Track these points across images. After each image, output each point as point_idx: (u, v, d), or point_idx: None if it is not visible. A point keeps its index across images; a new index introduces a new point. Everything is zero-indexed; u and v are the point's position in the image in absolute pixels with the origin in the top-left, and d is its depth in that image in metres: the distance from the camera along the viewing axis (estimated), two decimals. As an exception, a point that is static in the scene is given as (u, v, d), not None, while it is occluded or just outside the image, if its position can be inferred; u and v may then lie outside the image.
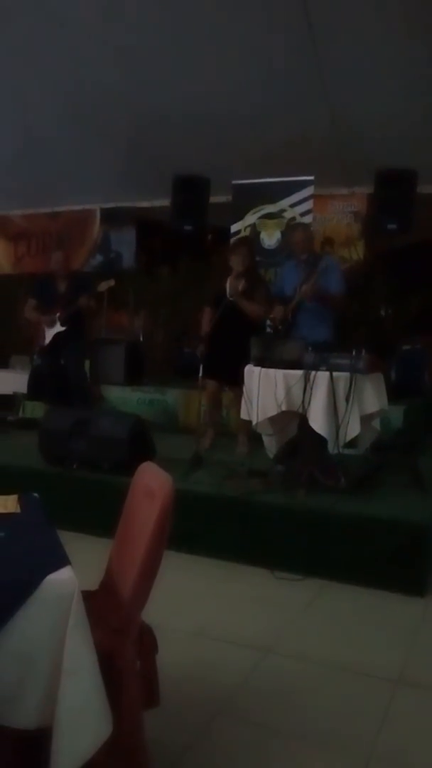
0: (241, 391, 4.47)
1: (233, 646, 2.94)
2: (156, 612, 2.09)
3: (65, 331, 5.93)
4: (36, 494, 2.29)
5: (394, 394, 5.16)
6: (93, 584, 2.13)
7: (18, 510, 2.10)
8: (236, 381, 4.62)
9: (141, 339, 7.82)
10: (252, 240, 5.96)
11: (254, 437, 4.91)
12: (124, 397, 6.73)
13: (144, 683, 2.01)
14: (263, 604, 3.40)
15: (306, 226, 5.35)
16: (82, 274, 7.07)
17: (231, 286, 5.04)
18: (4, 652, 1.59)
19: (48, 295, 6.03)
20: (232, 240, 6.05)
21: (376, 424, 4.36)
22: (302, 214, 6.09)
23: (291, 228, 5.35)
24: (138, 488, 2.12)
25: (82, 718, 1.62)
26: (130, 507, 2.14)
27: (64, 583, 1.61)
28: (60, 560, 1.68)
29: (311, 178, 6.03)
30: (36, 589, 1.60)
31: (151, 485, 2.01)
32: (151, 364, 7.38)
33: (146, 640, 2.07)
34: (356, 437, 4.08)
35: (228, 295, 5.00)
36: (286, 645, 2.98)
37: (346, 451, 4.22)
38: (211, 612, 3.26)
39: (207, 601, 3.40)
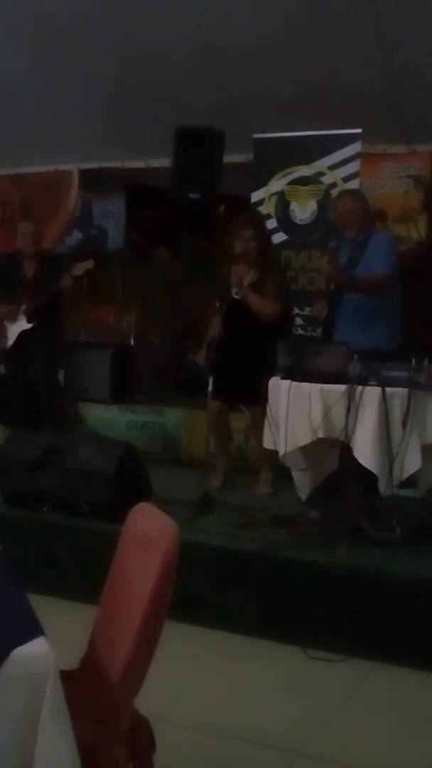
0: (262, 412, 4.53)
1: (252, 745, 2.98)
2: (153, 700, 2.14)
3: (33, 329, 6.02)
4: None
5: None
6: (71, 662, 2.18)
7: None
8: (253, 399, 4.68)
9: (131, 342, 7.91)
10: (260, 216, 6.02)
11: (280, 473, 4.97)
12: (109, 418, 6.81)
13: (137, 790, 2.06)
14: (292, 691, 3.44)
15: (355, 193, 5.30)
16: (56, 255, 7.18)
17: (234, 277, 5.11)
18: None
19: (10, 280, 6.12)
20: (236, 217, 6.08)
21: (442, 456, 4.41)
22: (346, 179, 6.17)
23: (337, 197, 5.31)
24: (131, 537, 2.18)
25: None
26: (121, 561, 2.20)
27: (36, 658, 1.66)
28: (31, 629, 1.73)
29: (358, 131, 6.10)
30: (1, 666, 1.65)
31: (149, 532, 2.07)
32: (144, 376, 7.46)
33: (141, 735, 2.12)
34: (415, 474, 4.13)
35: (233, 292, 5.07)
36: (321, 745, 3.02)
37: (402, 493, 4.27)
38: (223, 701, 3.31)
39: (218, 686, 3.45)
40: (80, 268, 5.95)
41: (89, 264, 5.97)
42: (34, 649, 1.67)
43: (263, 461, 5.22)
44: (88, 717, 1.92)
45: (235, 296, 5.07)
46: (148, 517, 2.17)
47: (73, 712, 1.73)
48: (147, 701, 2.11)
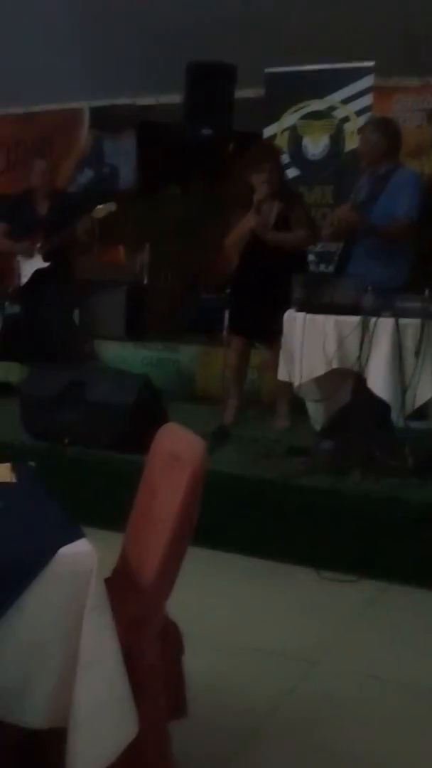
0: (279, 347, 4.63)
1: (273, 658, 3.16)
2: (178, 617, 2.29)
3: (47, 268, 6.09)
4: (32, 463, 2.51)
5: None
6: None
7: (13, 479, 2.32)
8: (272, 335, 4.77)
9: (145, 281, 7.97)
10: (278, 150, 6.00)
11: (296, 406, 5.09)
12: (124, 355, 6.91)
13: (169, 687, 2.23)
14: (307, 610, 3.61)
15: (378, 123, 4.95)
16: (69, 194, 7.22)
17: (257, 218, 5.08)
18: (9, 640, 1.79)
19: (23, 218, 6.17)
20: (254, 150, 6.08)
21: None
22: (359, 113, 6.19)
23: (365, 126, 5.13)
24: (160, 454, 2.32)
25: (102, 718, 1.83)
26: (150, 477, 2.34)
27: (80, 557, 1.82)
28: (74, 531, 1.89)
29: (370, 64, 6.11)
30: (47, 565, 1.80)
31: (177, 449, 2.20)
32: (158, 314, 7.54)
33: (171, 637, 2.29)
34: (428, 404, 4.25)
35: (257, 230, 5.07)
36: (336, 658, 3.19)
37: (415, 423, 4.40)
38: (243, 618, 3.49)
39: (238, 605, 3.62)
40: (101, 210, 5.93)
41: (111, 207, 5.92)
42: (79, 548, 1.83)
43: (280, 395, 5.30)
44: (124, 618, 2.07)
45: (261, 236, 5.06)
46: (176, 436, 2.30)
47: (109, 614, 1.88)
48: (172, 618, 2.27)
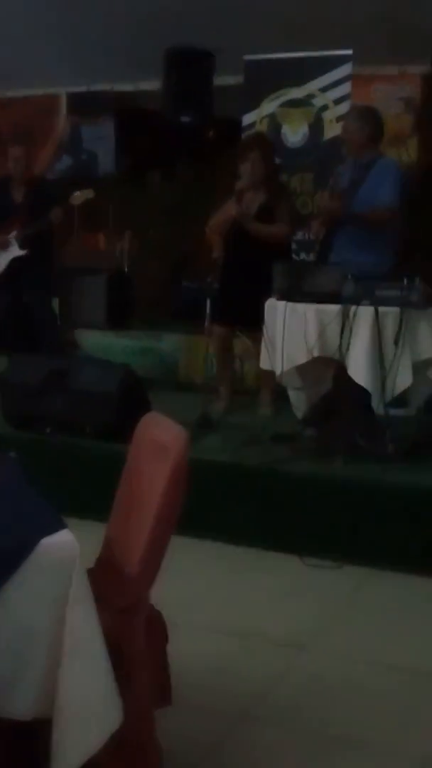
0: (261, 336, 4.64)
1: (259, 643, 3.19)
2: (161, 606, 2.30)
3: (25, 256, 6.07)
4: (14, 453, 2.51)
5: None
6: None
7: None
8: (255, 323, 4.77)
9: (126, 269, 7.96)
10: (267, 138, 5.99)
11: (279, 394, 5.10)
12: (106, 344, 6.89)
13: (154, 676, 2.24)
14: (292, 596, 3.64)
15: (361, 111, 4.98)
16: (46, 181, 7.18)
17: (238, 207, 5.06)
18: (-7, 631, 1.81)
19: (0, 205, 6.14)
20: (242, 139, 6.09)
21: (433, 374, 4.56)
22: (337, 101, 6.17)
23: (347, 113, 5.22)
24: (143, 443, 2.32)
25: (87, 707, 1.84)
26: (133, 466, 2.35)
27: (63, 546, 1.82)
28: (56, 522, 1.89)
29: (349, 52, 6.09)
30: (30, 555, 1.80)
31: (160, 438, 2.21)
32: (140, 302, 7.53)
33: (155, 627, 2.30)
34: (407, 391, 4.29)
35: (239, 218, 5.06)
36: (323, 642, 3.23)
37: (395, 410, 4.43)
38: (228, 605, 3.51)
39: (223, 592, 3.65)
40: (79, 197, 5.94)
41: (89, 194, 5.94)
42: (60, 538, 1.83)
43: (264, 383, 5.32)
44: (109, 607, 2.08)
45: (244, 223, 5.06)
46: (159, 425, 2.31)
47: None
48: (157, 606, 2.28)
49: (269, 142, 5.83)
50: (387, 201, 4.59)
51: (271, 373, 4.64)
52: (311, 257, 5.72)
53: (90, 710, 1.86)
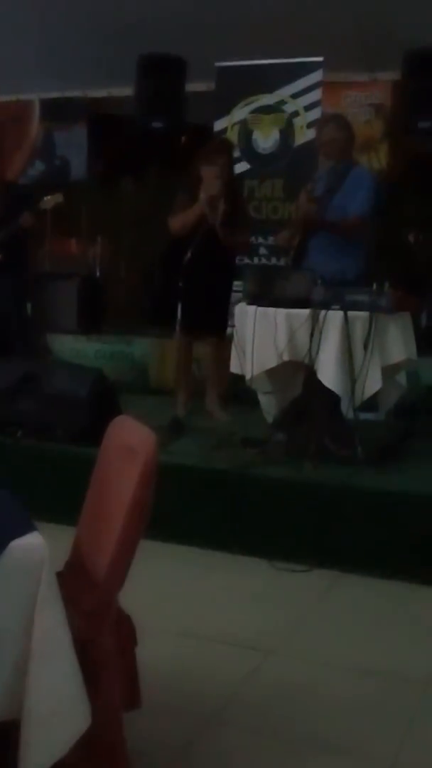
0: (222, 342, 4.64)
1: (228, 647, 3.19)
2: (131, 609, 2.30)
3: (-2, 261, 6.06)
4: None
5: (426, 341, 5.38)
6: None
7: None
8: (217, 330, 4.77)
9: (98, 274, 7.97)
10: (232, 145, 6.00)
11: (249, 397, 5.11)
12: (77, 348, 6.92)
13: (123, 678, 2.25)
14: (261, 600, 3.65)
15: (340, 120, 5.04)
16: (20, 186, 7.17)
17: (211, 214, 5.05)
18: (-40, 634, 1.80)
19: None
20: (209, 143, 6.08)
21: (402, 378, 4.60)
22: (307, 107, 6.24)
23: (322, 121, 5.24)
24: (112, 446, 2.33)
25: (56, 709, 1.84)
26: (102, 469, 2.35)
27: (31, 548, 1.82)
28: (25, 525, 1.89)
29: (320, 59, 6.17)
30: (-1, 558, 1.80)
31: (129, 441, 2.21)
32: (112, 307, 7.54)
33: (124, 630, 2.30)
34: (377, 395, 4.33)
35: (215, 227, 5.04)
36: (291, 646, 3.23)
37: (364, 415, 4.46)
38: (197, 609, 3.50)
39: (192, 596, 3.64)
40: (49, 201, 5.93)
41: (58, 198, 5.93)
42: (30, 541, 1.83)
43: (212, 387, 5.37)
44: (77, 610, 2.08)
45: (211, 222, 5.05)
46: (128, 428, 2.31)
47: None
48: (127, 610, 2.28)
49: (232, 148, 5.87)
50: (360, 210, 4.64)
51: (222, 378, 4.63)
52: (282, 262, 5.75)
53: (58, 711, 1.85)
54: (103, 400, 4.60)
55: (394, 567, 3.85)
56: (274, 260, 6.23)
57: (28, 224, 5.93)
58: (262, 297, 4.40)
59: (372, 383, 4.17)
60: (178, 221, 5.24)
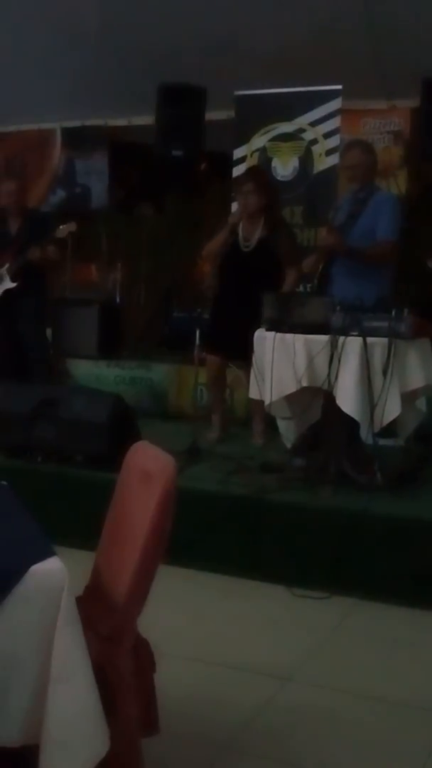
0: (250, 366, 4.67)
1: (245, 673, 3.19)
2: (149, 634, 2.31)
3: (18, 287, 6.12)
4: (4, 482, 2.53)
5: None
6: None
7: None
8: (247, 355, 4.79)
9: (117, 300, 8.02)
10: (260, 170, 6.07)
11: (269, 424, 5.14)
12: (97, 373, 6.95)
13: (141, 704, 2.25)
14: (280, 627, 3.65)
15: (366, 145, 5.16)
16: (41, 213, 7.25)
17: (243, 231, 5.16)
18: (-19, 658, 1.82)
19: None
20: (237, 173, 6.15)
21: (421, 404, 4.60)
22: (326, 135, 6.27)
23: (347, 146, 5.29)
24: (131, 472, 2.35)
25: (74, 733, 1.85)
26: (121, 495, 2.37)
27: (51, 574, 1.84)
28: (45, 549, 1.91)
29: (338, 87, 6.20)
30: (18, 583, 1.82)
31: (148, 467, 2.23)
32: (131, 332, 7.59)
33: (143, 654, 2.31)
34: (396, 421, 4.32)
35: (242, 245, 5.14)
36: (309, 673, 3.22)
37: (383, 441, 4.46)
38: (215, 635, 3.51)
39: (210, 622, 3.65)
40: (63, 230, 6.01)
41: (72, 227, 6.00)
42: (49, 565, 1.85)
43: (255, 412, 5.36)
44: (96, 635, 2.10)
45: (245, 249, 5.18)
46: (148, 454, 2.33)
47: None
48: (144, 635, 2.29)
49: (263, 172, 5.92)
50: (386, 234, 4.69)
51: (261, 403, 4.67)
52: (309, 289, 5.76)
53: (77, 736, 1.86)
54: (122, 425, 4.63)
55: (414, 594, 3.84)
56: (300, 287, 6.23)
57: (48, 253, 6.00)
58: (280, 323, 4.42)
59: (391, 409, 4.17)
60: (204, 249, 5.48)
